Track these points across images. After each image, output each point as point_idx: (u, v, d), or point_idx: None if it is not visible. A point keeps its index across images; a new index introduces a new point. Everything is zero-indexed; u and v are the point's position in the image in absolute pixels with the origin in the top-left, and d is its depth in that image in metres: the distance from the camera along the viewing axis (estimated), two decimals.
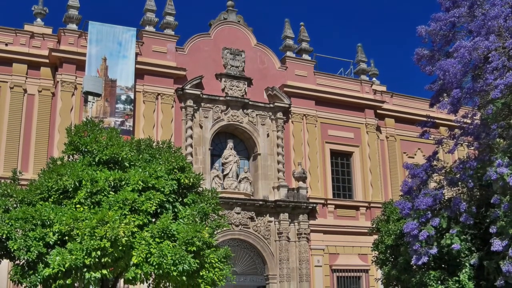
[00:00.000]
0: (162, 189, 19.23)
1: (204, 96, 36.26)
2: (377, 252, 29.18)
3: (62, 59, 33.49)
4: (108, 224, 16.77)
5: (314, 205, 37.46)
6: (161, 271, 17.63)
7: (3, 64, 32.91)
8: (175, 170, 20.26)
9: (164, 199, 19.20)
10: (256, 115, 37.89)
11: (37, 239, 17.30)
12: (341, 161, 40.70)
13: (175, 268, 17.50)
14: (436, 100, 24.08)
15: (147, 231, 18.16)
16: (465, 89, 21.47)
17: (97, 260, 16.76)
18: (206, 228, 19.19)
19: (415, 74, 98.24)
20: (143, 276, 18.06)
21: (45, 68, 33.83)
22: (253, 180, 37.34)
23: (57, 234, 17.50)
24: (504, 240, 19.87)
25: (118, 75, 34.20)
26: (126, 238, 17.00)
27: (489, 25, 20.39)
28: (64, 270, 16.59)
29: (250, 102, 37.63)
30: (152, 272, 17.93)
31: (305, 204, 36.92)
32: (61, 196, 19.03)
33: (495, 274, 21.61)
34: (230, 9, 39.99)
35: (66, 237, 17.43)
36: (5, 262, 19.57)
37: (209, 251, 19.16)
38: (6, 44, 33.21)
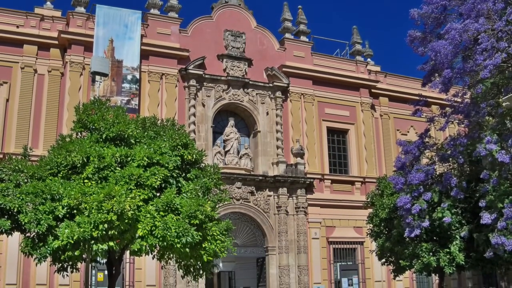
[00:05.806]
0: (166, 165, 19.15)
1: (206, 76, 36.10)
2: (371, 225, 29.25)
3: (70, 40, 33.27)
4: (115, 198, 16.72)
5: (312, 180, 37.42)
6: (165, 243, 17.60)
7: (15, 45, 32.67)
8: (178, 146, 20.20)
9: (168, 175, 19.13)
10: (256, 94, 37.73)
11: (47, 212, 17.22)
12: (337, 138, 40.60)
13: (178, 240, 17.45)
14: (428, 79, 24.02)
15: (152, 205, 18.09)
16: (455, 69, 21.41)
17: (104, 232, 16.71)
18: (208, 202, 19.14)
19: (408, 55, 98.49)
20: (148, 248, 18.02)
21: (54, 49, 33.58)
22: (253, 156, 37.28)
23: (66, 208, 17.42)
24: (493, 214, 19.88)
25: (124, 56, 34.03)
26: (132, 212, 16.95)
27: (479, 8, 20.27)
28: (72, 242, 16.53)
29: (250, 82, 37.45)
30: (157, 244, 17.88)
31: (302, 179, 36.88)
32: (70, 172, 18.98)
33: (484, 246, 21.68)
34: None
35: (75, 211, 17.35)
36: (16, 234, 19.49)
37: (211, 224, 19.09)
38: (18, 27, 32.95)
